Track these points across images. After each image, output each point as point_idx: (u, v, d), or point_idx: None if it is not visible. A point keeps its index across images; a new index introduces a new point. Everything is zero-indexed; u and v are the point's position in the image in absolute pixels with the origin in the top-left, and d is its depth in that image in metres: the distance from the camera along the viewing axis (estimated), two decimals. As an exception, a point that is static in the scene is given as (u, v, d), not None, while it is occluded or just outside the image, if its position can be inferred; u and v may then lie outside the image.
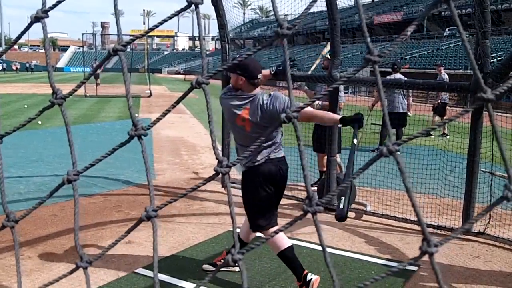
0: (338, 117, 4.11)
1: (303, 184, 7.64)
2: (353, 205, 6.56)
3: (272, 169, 4.02)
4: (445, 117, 12.67)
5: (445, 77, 13.34)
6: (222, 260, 4.58)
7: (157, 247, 0.70)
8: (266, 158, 3.98)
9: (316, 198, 0.60)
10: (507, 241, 5.26)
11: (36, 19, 0.69)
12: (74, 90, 0.78)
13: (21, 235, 5.42)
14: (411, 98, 11.36)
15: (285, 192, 7.02)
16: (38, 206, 0.79)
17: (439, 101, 13.80)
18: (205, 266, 4.62)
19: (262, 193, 4.01)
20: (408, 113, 10.91)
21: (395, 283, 4.33)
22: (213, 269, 4.57)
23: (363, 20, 0.52)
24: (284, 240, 3.99)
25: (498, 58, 24.91)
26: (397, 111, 10.48)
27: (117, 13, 0.75)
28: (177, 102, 0.71)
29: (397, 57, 37.80)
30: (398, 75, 10.37)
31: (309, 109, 3.92)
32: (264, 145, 3.96)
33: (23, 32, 0.75)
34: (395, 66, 10.80)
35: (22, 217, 0.80)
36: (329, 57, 8.16)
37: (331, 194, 0.66)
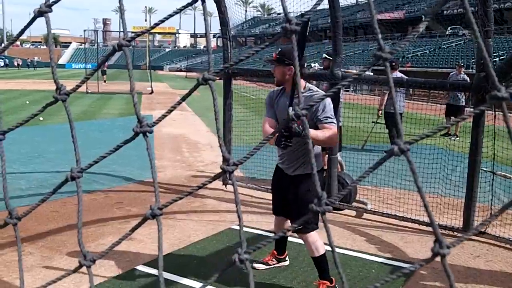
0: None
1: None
2: (354, 204, 6.55)
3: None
4: (452, 118, 12.54)
5: (465, 77, 12.98)
6: (272, 259, 4.57)
7: (162, 245, 0.69)
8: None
9: (325, 197, 0.59)
10: (508, 241, 5.25)
11: (40, 13, 0.68)
12: (78, 86, 0.78)
13: (23, 231, 5.42)
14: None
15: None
16: (42, 203, 0.78)
17: (449, 100, 13.59)
18: (257, 265, 4.61)
19: None
20: None
21: (395, 282, 4.32)
22: (265, 267, 4.59)
23: (375, 17, 0.51)
24: (323, 246, 4.01)
25: (501, 57, 24.86)
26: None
27: (121, 9, 0.74)
28: (183, 99, 0.70)
29: (399, 56, 37.78)
30: (399, 74, 10.32)
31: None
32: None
33: (26, 27, 0.74)
34: (393, 64, 10.70)
35: (25, 214, 0.80)
36: (328, 57, 8.17)
37: (339, 194, 0.65)
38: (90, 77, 0.78)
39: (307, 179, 3.92)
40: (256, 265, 4.59)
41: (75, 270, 0.70)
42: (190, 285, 4.21)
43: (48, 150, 10.34)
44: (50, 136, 12.21)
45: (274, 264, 4.61)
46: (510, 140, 0.51)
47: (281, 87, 4.06)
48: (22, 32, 0.76)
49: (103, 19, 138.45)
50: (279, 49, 3.93)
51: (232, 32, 7.62)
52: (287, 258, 4.68)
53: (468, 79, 12.34)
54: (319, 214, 0.62)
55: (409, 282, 4.36)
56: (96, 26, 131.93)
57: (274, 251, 4.66)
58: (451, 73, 13.94)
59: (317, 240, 3.94)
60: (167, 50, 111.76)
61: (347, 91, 22.96)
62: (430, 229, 5.63)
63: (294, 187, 3.96)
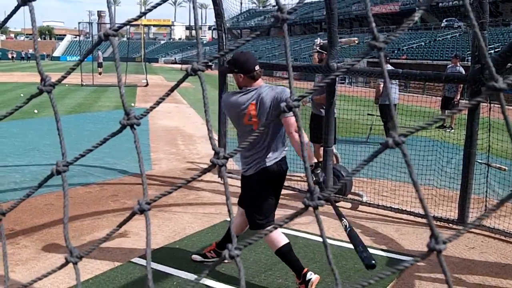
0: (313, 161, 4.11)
1: (299, 174, 7.62)
2: (349, 196, 6.55)
3: (276, 170, 3.98)
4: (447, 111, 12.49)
5: (461, 69, 12.94)
6: (211, 251, 4.54)
7: (150, 241, 0.67)
8: (274, 160, 3.95)
9: (317, 191, 0.58)
10: (502, 232, 5.27)
11: (23, 2, 0.66)
12: (63, 77, 0.76)
13: (17, 224, 5.40)
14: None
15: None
16: (27, 197, 0.77)
17: (445, 93, 13.55)
18: (194, 256, 4.58)
19: (265, 193, 3.99)
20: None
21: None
22: (201, 259, 4.55)
23: (369, 5, 0.50)
24: (280, 237, 3.94)
25: (496, 50, 24.88)
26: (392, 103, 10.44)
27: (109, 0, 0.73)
28: (172, 90, 0.68)
29: (394, 48, 37.72)
30: (390, 67, 10.30)
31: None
32: (272, 146, 3.92)
33: (9, 16, 0.72)
34: (386, 57, 10.66)
35: (10, 209, 0.78)
36: (320, 50, 8.13)
37: (332, 188, 0.63)
38: (76, 68, 0.76)
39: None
40: (193, 256, 4.58)
41: (61, 267, 0.69)
42: (185, 277, 4.21)
43: (43, 143, 10.29)
44: (45, 129, 12.14)
45: (212, 257, 4.53)
46: (508, 132, 0.49)
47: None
48: (5, 21, 0.74)
49: (98, 11, 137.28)
50: (229, 58, 4.01)
51: (227, 24, 7.57)
52: None
53: (464, 71, 12.32)
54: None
55: (404, 274, 4.37)
56: (90, 19, 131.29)
57: (215, 244, 4.60)
58: (448, 66, 13.90)
59: (272, 232, 3.84)
60: (162, 42, 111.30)
61: (342, 83, 22.91)
62: (425, 221, 5.64)
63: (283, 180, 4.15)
